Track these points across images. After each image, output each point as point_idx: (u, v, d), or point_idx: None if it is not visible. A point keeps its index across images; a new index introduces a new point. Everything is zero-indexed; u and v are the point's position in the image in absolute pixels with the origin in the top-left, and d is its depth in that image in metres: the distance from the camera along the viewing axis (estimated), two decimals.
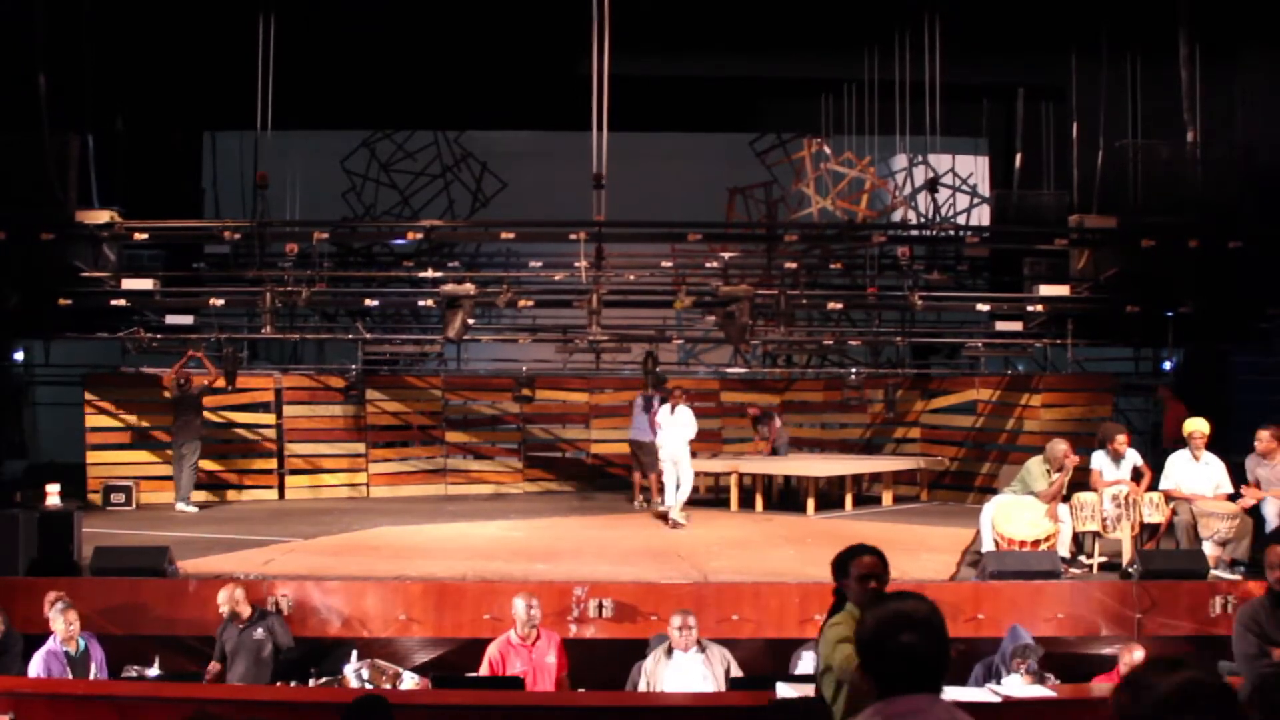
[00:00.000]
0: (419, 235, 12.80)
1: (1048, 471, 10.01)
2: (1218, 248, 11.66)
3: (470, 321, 11.82)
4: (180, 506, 13.11)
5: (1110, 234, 12.11)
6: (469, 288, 11.62)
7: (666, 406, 12.49)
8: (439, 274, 13.28)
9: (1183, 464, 9.93)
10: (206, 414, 14.58)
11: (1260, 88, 12.81)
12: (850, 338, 16.12)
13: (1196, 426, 9.92)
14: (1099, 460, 10.27)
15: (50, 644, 7.71)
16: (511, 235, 12.79)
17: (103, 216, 12.01)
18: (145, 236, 12.23)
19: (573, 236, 12.23)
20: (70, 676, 7.54)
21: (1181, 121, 12.19)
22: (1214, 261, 11.79)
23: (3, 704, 6.34)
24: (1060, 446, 10.07)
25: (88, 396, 14.21)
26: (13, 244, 11.49)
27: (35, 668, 7.61)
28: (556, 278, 13.31)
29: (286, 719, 6.52)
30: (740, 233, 13.73)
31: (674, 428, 12.32)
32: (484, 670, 7.73)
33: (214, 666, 8.23)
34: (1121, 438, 10.22)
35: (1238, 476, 9.87)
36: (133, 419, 14.34)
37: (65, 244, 12.04)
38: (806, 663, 7.56)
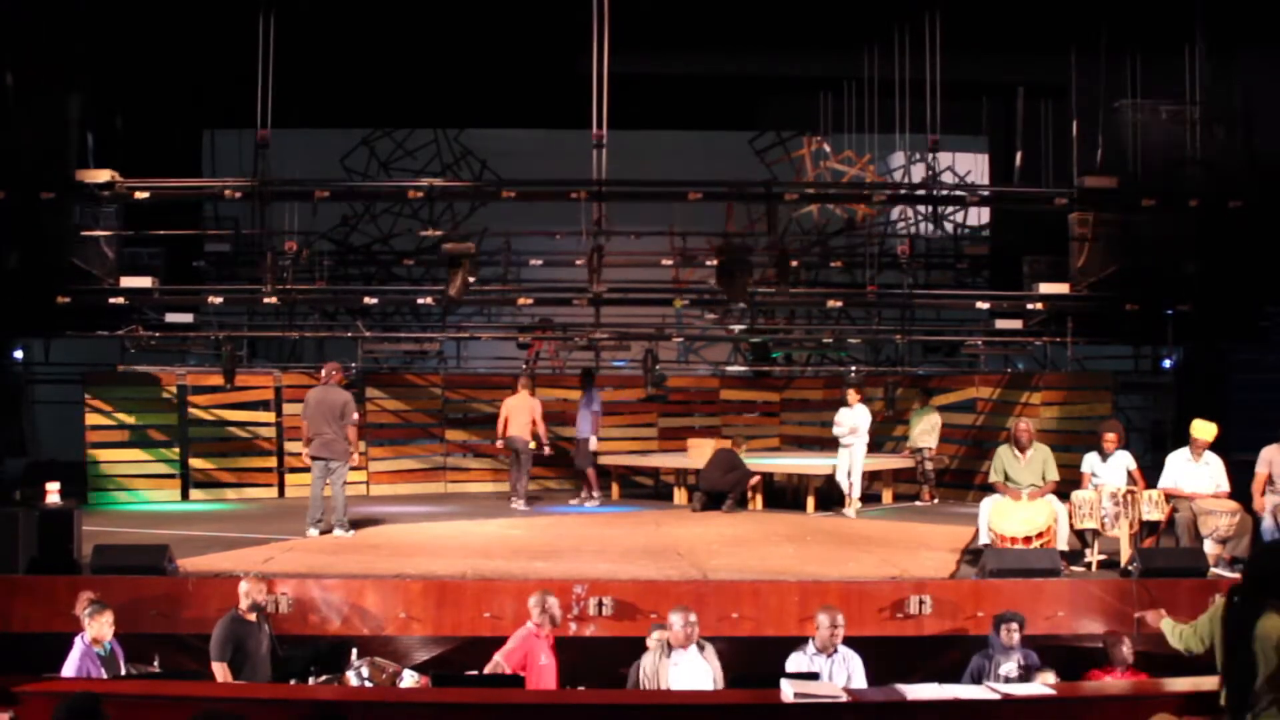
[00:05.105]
0: (419, 194, 12.71)
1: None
2: (1218, 207, 11.74)
3: (471, 280, 11.86)
4: None
5: (1111, 194, 12.12)
6: (470, 246, 11.70)
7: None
8: (439, 232, 13.17)
9: (1181, 462, 9.93)
10: (205, 413, 14.60)
11: (1263, 85, 12.80)
12: (850, 336, 16.14)
13: (1200, 433, 9.89)
14: (1089, 461, 10.29)
15: (81, 644, 7.56)
16: (513, 194, 12.68)
17: (103, 175, 12.00)
18: (146, 195, 12.14)
19: (573, 195, 12.21)
20: (105, 677, 7.49)
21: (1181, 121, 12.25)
22: (1215, 234, 11.89)
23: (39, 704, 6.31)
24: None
25: (87, 395, 14.20)
26: (13, 203, 11.52)
27: (72, 670, 7.46)
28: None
29: (286, 718, 6.51)
30: (741, 193, 13.56)
31: None
32: (516, 663, 7.62)
33: (223, 670, 7.87)
34: (1111, 436, 10.22)
35: (1238, 475, 9.87)
36: (132, 418, 14.34)
37: (66, 244, 12.10)
38: (796, 663, 7.56)
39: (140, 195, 12.07)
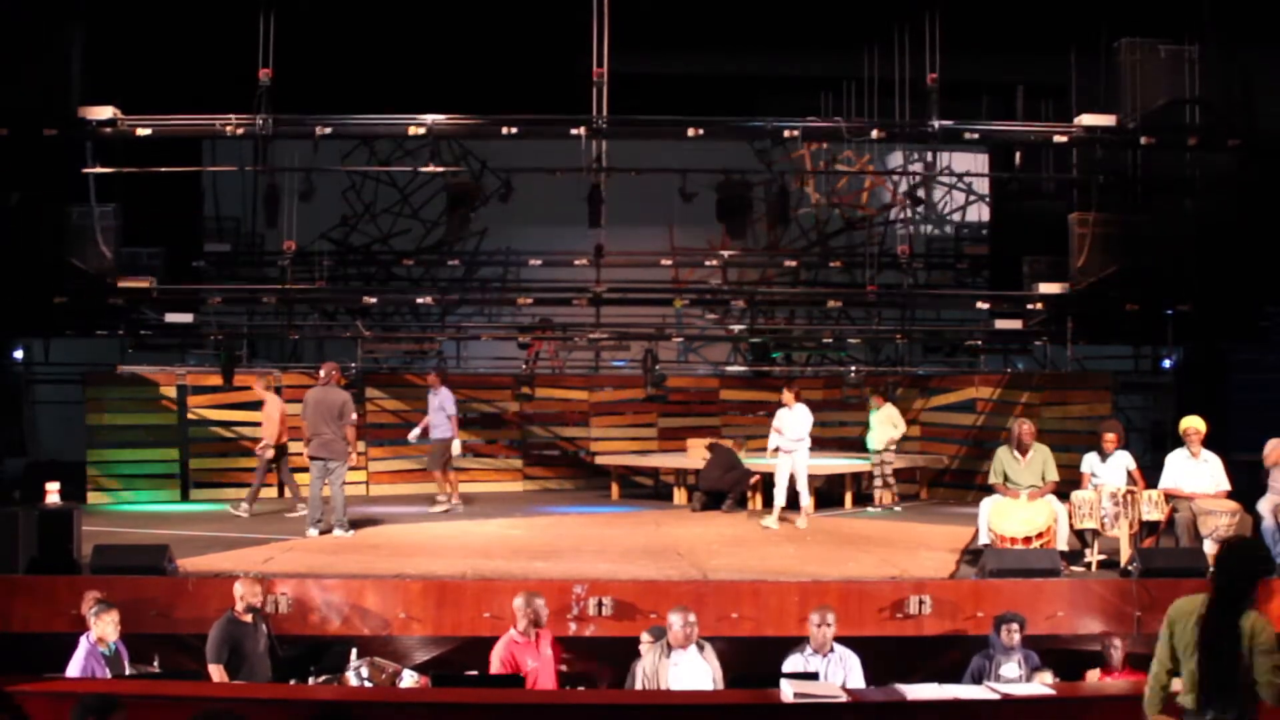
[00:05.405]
0: (421, 130, 12.64)
1: None
2: (1218, 146, 11.90)
3: (472, 216, 11.93)
4: None
5: (1110, 131, 12.24)
6: (474, 184, 11.79)
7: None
8: (441, 169, 13.02)
9: (1181, 462, 9.93)
10: (205, 413, 14.60)
11: (1261, 83, 12.80)
12: (850, 336, 16.15)
13: (1191, 424, 9.92)
14: (1089, 461, 10.30)
15: (86, 644, 7.56)
16: (514, 130, 12.64)
17: (105, 111, 12.08)
18: (149, 132, 12.25)
19: (574, 131, 12.22)
20: (109, 676, 7.49)
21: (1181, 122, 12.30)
22: (1214, 233, 11.81)
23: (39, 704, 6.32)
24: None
25: (87, 395, 14.21)
26: (14, 140, 11.64)
27: (77, 669, 7.46)
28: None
29: (286, 718, 6.51)
30: (743, 126, 13.39)
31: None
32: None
33: (219, 672, 7.85)
34: (1110, 436, 10.23)
35: (1238, 475, 9.88)
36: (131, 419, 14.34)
37: (66, 244, 12.11)
38: (795, 663, 7.56)
39: (142, 131, 12.17)
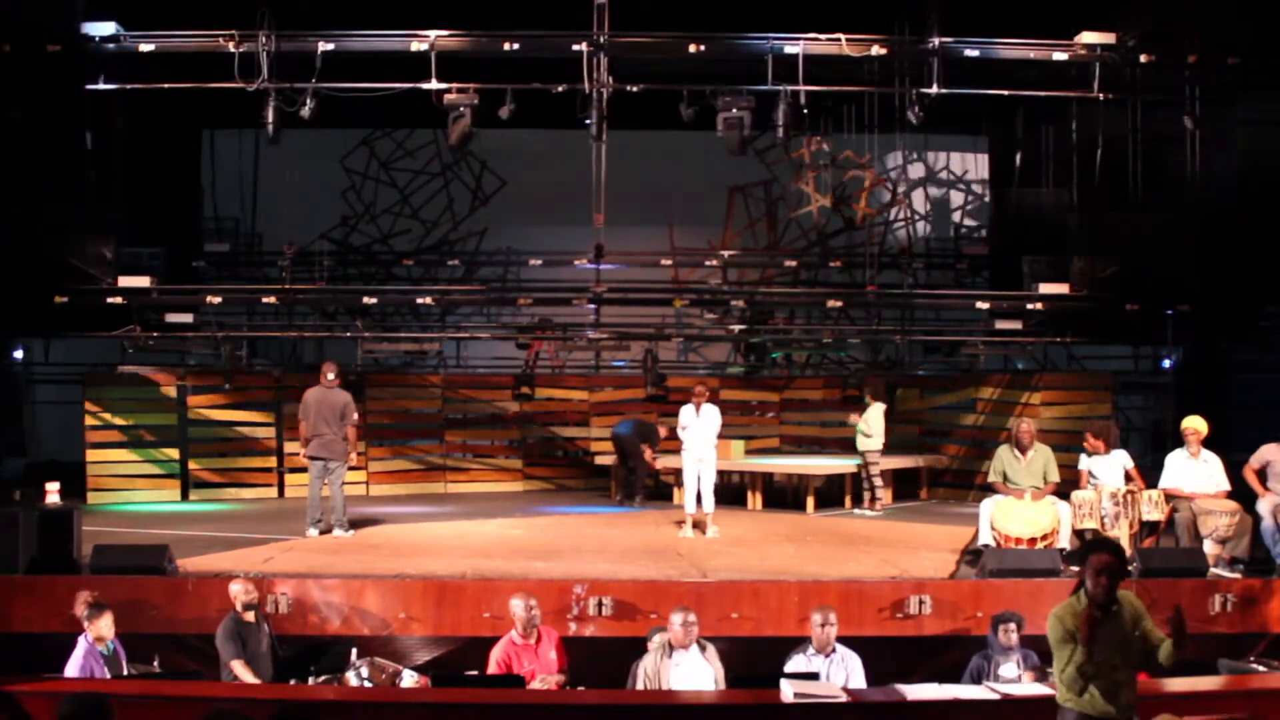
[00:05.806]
0: (424, 45, 12.57)
1: None
2: (1217, 67, 11.94)
3: (474, 133, 11.96)
4: None
5: (1110, 49, 12.25)
6: (471, 97, 12.00)
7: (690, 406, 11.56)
8: (443, 85, 12.91)
9: (1181, 462, 9.94)
10: (206, 413, 14.60)
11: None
12: (850, 336, 16.13)
13: (1192, 424, 9.92)
14: (1087, 461, 10.30)
15: (85, 643, 7.59)
16: (516, 45, 12.57)
17: (108, 27, 12.11)
18: (151, 48, 12.28)
19: (575, 47, 12.19)
20: (109, 676, 7.50)
21: (1181, 123, 12.26)
22: (1215, 234, 11.74)
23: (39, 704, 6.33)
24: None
25: (86, 395, 14.20)
26: (17, 57, 11.69)
27: (75, 669, 7.48)
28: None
29: None
30: (745, 41, 13.19)
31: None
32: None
33: (242, 666, 7.92)
34: (1090, 436, 10.26)
35: (1238, 475, 9.88)
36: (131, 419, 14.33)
37: (65, 242, 12.09)
38: (797, 664, 7.56)
39: (145, 48, 12.18)
